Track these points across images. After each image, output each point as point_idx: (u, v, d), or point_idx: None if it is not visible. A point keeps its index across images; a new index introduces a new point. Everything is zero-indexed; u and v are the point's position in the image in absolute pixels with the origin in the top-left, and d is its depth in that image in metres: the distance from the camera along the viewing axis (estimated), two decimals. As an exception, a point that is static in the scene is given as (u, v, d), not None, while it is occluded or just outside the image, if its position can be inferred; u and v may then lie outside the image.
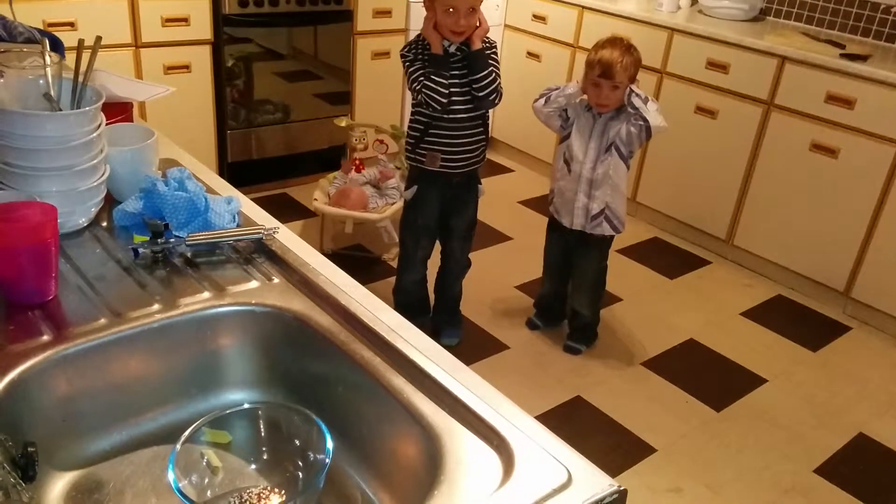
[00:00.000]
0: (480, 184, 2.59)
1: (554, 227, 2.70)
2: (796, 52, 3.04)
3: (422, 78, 2.30)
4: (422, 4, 2.37)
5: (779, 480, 2.23)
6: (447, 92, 2.30)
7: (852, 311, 3.12)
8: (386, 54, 3.79)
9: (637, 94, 2.38)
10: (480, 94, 2.32)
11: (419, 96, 2.33)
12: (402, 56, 2.37)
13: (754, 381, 2.67)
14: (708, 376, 2.68)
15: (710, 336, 2.90)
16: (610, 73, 2.35)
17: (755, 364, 2.76)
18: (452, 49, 2.31)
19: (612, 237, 2.62)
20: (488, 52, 2.34)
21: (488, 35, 2.36)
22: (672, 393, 2.57)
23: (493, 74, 2.33)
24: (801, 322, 3.07)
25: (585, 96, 2.47)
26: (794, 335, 2.95)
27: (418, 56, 2.33)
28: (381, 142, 3.33)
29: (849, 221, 3.02)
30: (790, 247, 3.23)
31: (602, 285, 2.73)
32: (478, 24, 2.28)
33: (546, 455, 0.83)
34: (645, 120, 2.37)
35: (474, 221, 2.62)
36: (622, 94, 2.39)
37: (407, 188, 2.57)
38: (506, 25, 4.12)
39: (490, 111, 2.50)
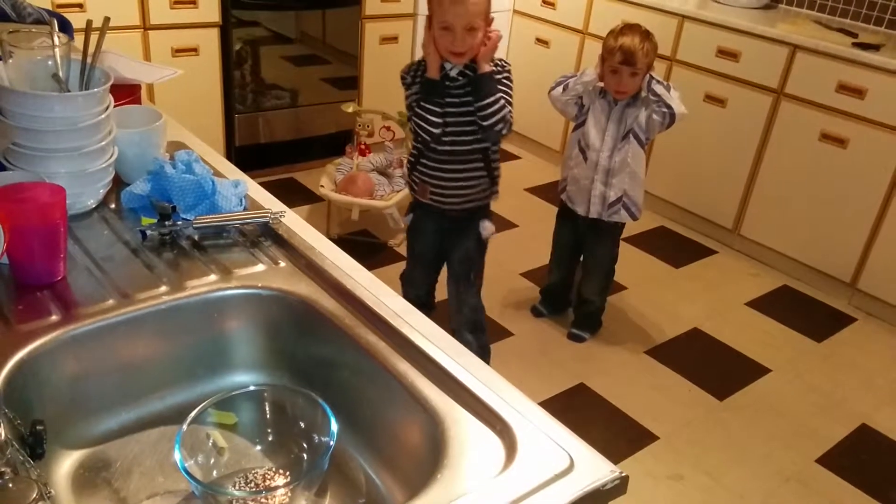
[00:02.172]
0: (489, 219, 2.24)
1: (565, 215, 2.67)
2: (808, 41, 3.02)
3: (414, 105, 2.05)
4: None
5: (780, 470, 2.24)
6: (440, 122, 2.03)
7: (858, 302, 3.11)
8: (394, 39, 3.78)
9: (658, 82, 2.36)
10: (484, 122, 2.02)
11: (411, 125, 2.10)
12: (402, 79, 2.11)
13: (758, 370, 2.67)
14: (712, 365, 2.68)
15: (715, 325, 2.90)
16: (631, 60, 2.32)
17: (759, 354, 2.76)
18: (454, 72, 2.03)
19: (624, 224, 2.61)
20: (499, 76, 2.04)
21: (502, 59, 2.08)
22: (675, 381, 2.57)
23: (501, 102, 2.02)
24: (806, 312, 3.06)
25: (601, 83, 2.43)
26: (799, 325, 2.95)
27: (416, 79, 2.07)
28: (388, 128, 3.32)
29: (856, 212, 3.00)
30: (797, 237, 3.22)
31: (612, 272, 2.73)
32: (484, 43, 1.97)
33: (548, 441, 0.84)
34: (669, 107, 2.35)
35: (471, 260, 2.26)
36: (641, 80, 2.36)
37: (406, 213, 2.34)
38: (515, 11, 4.10)
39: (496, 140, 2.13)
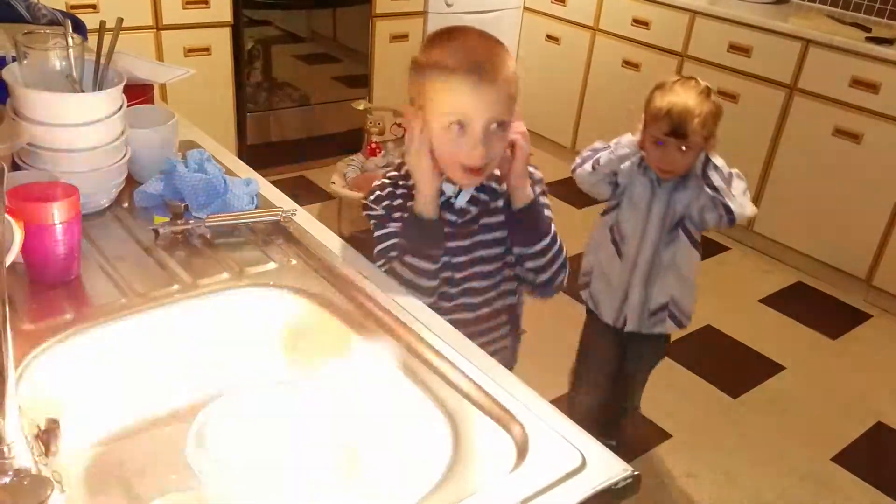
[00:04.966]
0: None
1: (596, 320, 2.01)
2: (821, 35, 2.99)
3: (394, 257, 1.21)
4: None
5: (795, 468, 2.22)
6: (434, 270, 1.21)
7: (873, 298, 3.08)
8: (404, 37, 3.78)
9: (716, 167, 1.71)
10: (541, 277, 1.27)
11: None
12: (367, 212, 1.27)
13: (772, 368, 2.66)
14: (725, 363, 2.67)
15: (729, 322, 2.88)
16: (682, 130, 1.67)
17: (773, 351, 2.74)
18: (463, 201, 1.22)
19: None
20: (539, 197, 1.26)
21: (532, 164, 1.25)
22: (689, 379, 2.56)
23: (559, 239, 1.28)
24: (820, 309, 3.04)
25: (642, 152, 1.78)
26: (814, 322, 2.93)
27: (394, 211, 1.23)
28: (400, 125, 3.33)
29: (871, 208, 2.98)
30: (811, 233, 3.19)
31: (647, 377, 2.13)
32: (511, 151, 1.19)
33: (560, 439, 0.84)
34: (728, 209, 1.71)
35: None
36: (694, 158, 1.72)
37: None
38: (525, 8, 4.09)
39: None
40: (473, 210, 1.24)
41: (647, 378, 2.12)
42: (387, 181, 1.26)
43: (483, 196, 1.24)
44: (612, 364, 2.02)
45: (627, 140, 1.79)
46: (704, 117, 1.67)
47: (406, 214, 1.21)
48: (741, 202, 1.72)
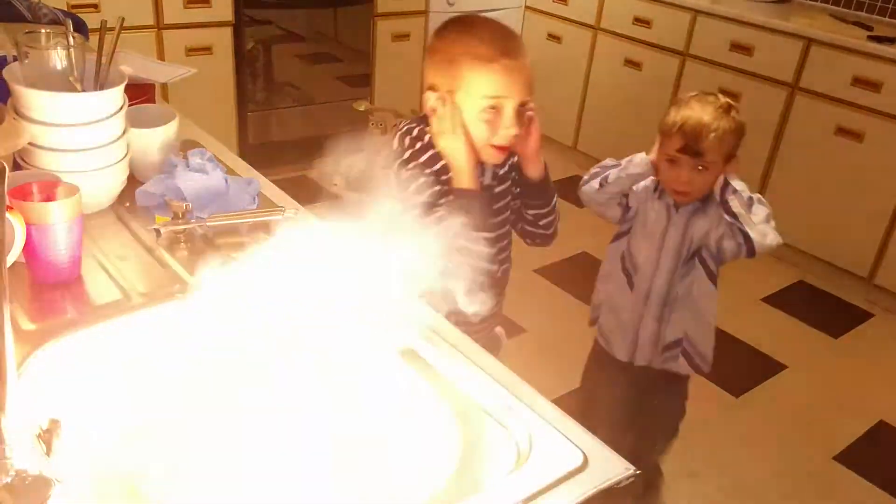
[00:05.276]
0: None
1: (608, 359, 1.86)
2: (823, 34, 2.99)
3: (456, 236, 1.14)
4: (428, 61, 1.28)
5: (797, 467, 2.22)
6: (497, 241, 1.37)
7: (875, 297, 3.08)
8: (406, 36, 3.78)
9: (736, 191, 1.58)
10: (549, 231, 1.46)
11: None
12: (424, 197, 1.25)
13: (774, 367, 2.66)
14: (727, 362, 2.66)
15: (730, 321, 2.88)
16: (696, 147, 1.55)
17: (775, 350, 2.74)
18: (489, 180, 1.35)
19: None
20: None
21: None
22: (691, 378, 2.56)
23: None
24: (822, 308, 3.04)
25: (656, 176, 1.67)
26: (816, 321, 2.93)
27: (436, 193, 1.27)
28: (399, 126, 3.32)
29: (873, 207, 2.97)
30: (813, 232, 3.19)
31: (677, 431, 1.95)
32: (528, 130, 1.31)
33: (562, 438, 0.84)
34: (747, 236, 1.58)
35: None
36: (712, 179, 1.59)
37: None
38: (526, 7, 4.09)
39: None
40: (494, 184, 1.37)
41: (670, 431, 1.92)
42: (410, 167, 1.27)
43: (496, 170, 1.36)
44: (632, 404, 1.83)
45: (640, 159, 1.65)
46: (722, 133, 1.55)
47: (453, 197, 1.25)
48: (762, 230, 1.57)
